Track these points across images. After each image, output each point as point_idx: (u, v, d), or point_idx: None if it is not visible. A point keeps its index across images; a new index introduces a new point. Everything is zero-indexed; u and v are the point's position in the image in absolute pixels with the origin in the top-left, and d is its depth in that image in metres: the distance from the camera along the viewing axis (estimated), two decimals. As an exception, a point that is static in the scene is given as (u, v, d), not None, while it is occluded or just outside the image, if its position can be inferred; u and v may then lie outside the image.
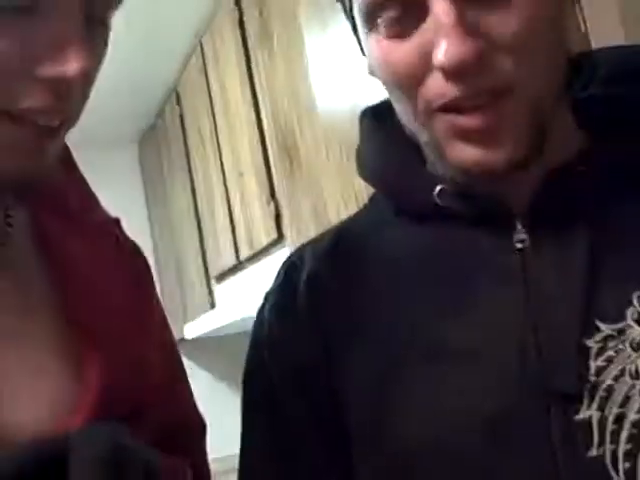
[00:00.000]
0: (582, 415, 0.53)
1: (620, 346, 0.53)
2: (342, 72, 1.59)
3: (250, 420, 0.70)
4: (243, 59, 2.12)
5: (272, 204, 2.04)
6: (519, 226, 0.59)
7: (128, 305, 0.67)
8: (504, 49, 0.53)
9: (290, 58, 1.83)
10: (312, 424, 0.65)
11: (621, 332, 0.54)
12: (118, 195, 3.26)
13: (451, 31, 0.52)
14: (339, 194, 1.65)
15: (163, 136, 3.08)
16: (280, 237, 2.03)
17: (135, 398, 0.63)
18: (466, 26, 0.52)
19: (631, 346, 0.53)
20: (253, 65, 2.08)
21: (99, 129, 2.72)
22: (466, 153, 0.56)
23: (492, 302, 0.58)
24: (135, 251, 0.75)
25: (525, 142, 0.56)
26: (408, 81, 0.57)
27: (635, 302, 0.54)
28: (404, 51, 0.56)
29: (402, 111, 0.60)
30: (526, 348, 0.56)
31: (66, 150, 0.72)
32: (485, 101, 0.54)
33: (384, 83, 0.60)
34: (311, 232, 1.79)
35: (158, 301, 0.78)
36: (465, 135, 0.56)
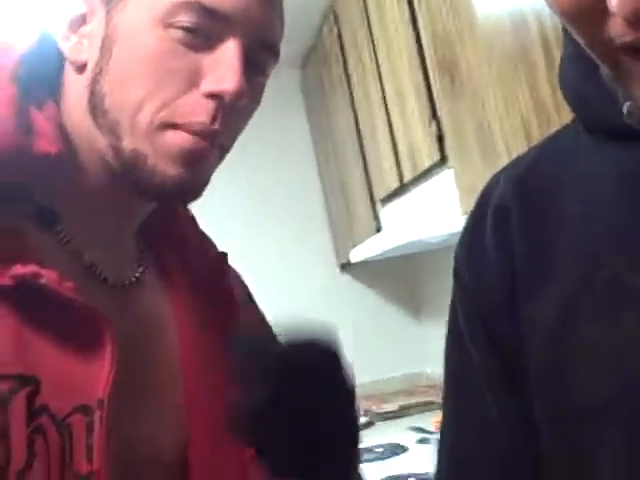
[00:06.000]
0: None
1: None
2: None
3: (447, 347, 0.70)
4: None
5: (434, 125, 1.96)
6: None
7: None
8: None
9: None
10: (492, 369, 0.63)
11: None
12: (282, 122, 3.31)
13: None
14: (503, 111, 1.55)
15: (323, 58, 3.05)
16: (443, 158, 1.96)
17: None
18: None
19: None
20: (409, -23, 1.98)
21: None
22: None
23: None
24: (236, 277, 0.84)
25: None
26: (581, 22, 0.50)
27: None
28: None
29: (579, 40, 0.53)
30: None
31: None
32: None
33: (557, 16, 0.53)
34: (475, 152, 1.71)
35: (259, 311, 0.85)
36: None
